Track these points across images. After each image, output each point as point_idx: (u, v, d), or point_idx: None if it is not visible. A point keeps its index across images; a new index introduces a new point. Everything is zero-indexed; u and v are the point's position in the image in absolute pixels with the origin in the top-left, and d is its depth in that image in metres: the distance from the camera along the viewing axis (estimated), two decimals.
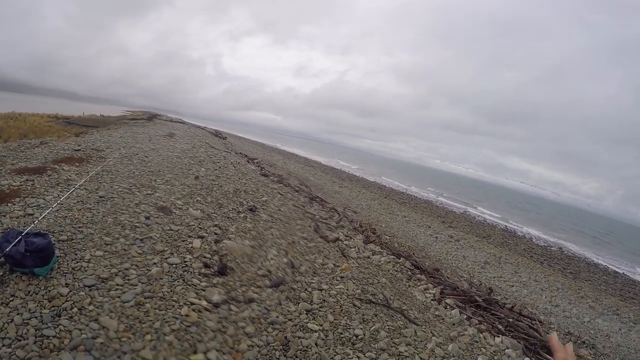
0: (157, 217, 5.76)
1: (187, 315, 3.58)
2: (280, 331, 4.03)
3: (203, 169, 10.58)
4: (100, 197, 5.97)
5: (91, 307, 3.28)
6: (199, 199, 7.34)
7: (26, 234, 3.68)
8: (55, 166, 7.27)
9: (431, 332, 5.03)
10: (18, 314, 2.98)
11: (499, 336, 5.63)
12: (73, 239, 4.37)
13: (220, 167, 11.91)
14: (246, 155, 21.15)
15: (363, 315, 4.88)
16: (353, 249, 7.70)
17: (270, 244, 6.31)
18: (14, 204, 5.00)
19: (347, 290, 5.49)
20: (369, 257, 7.51)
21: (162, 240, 5.02)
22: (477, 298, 7.12)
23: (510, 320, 6.63)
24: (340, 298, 5.17)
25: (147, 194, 6.73)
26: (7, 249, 3.39)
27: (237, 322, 3.88)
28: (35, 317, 3.00)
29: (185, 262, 4.61)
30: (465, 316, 6.01)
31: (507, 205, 58.82)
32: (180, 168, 9.89)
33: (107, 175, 7.38)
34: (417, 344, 4.61)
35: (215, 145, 20.34)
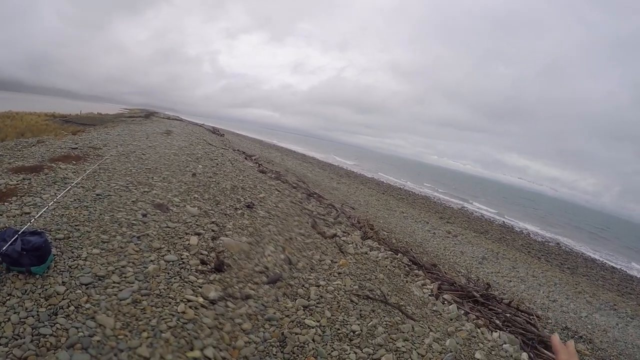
0: (154, 215, 5.76)
1: (183, 312, 3.59)
2: (277, 327, 4.04)
3: (200, 166, 10.59)
4: (97, 195, 5.97)
5: (88, 305, 3.28)
6: (196, 196, 7.35)
7: (22, 232, 3.68)
8: (52, 165, 7.26)
9: (429, 328, 5.04)
10: (15, 312, 2.99)
11: (496, 331, 5.66)
12: (70, 237, 4.37)
13: (217, 164, 11.92)
14: (244, 152, 21.14)
15: (360, 311, 4.90)
16: (351, 245, 7.72)
17: (268, 240, 6.32)
18: (11, 203, 5.00)
19: (345, 286, 5.51)
20: (366, 253, 7.53)
21: (159, 237, 5.02)
22: (475, 293, 7.15)
23: (508, 315, 6.66)
24: (338, 294, 5.19)
25: (144, 192, 6.73)
26: (4, 248, 3.39)
27: (234, 319, 3.89)
28: (32, 316, 3.00)
29: (182, 259, 4.61)
30: (462, 311, 6.03)
31: (504, 201, 58.91)
32: (177, 165, 9.89)
33: (104, 173, 7.37)
34: (414, 339, 4.62)
35: (212, 142, 20.33)
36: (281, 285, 4.94)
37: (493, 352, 4.96)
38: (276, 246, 6.18)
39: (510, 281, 11.01)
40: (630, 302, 12.78)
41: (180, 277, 4.20)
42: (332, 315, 4.59)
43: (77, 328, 2.99)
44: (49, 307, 3.15)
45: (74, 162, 7.87)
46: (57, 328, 2.95)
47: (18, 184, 5.77)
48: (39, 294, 3.27)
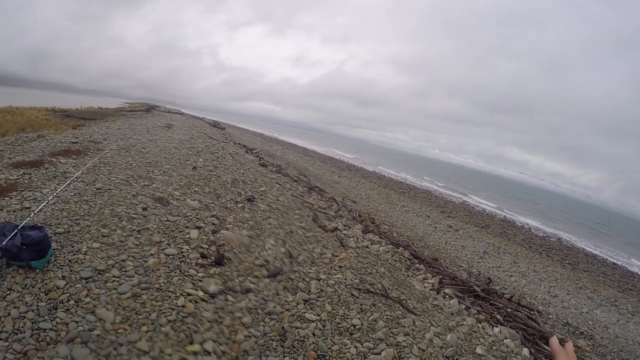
0: (155, 209, 5.75)
1: (183, 306, 3.58)
2: (277, 321, 4.03)
3: (201, 160, 10.56)
4: (98, 189, 5.96)
5: (88, 300, 3.28)
6: (196, 189, 7.33)
7: (22, 227, 3.67)
8: (53, 159, 7.25)
9: (429, 322, 5.04)
10: (15, 307, 2.99)
11: (497, 326, 5.65)
12: (70, 232, 4.37)
13: (218, 158, 11.90)
14: (245, 146, 21.09)
15: (361, 305, 4.89)
16: (352, 239, 7.70)
17: (268, 233, 6.31)
18: (11, 198, 5.00)
19: (346, 280, 5.50)
20: (367, 247, 7.52)
21: (159, 231, 5.02)
22: (476, 288, 7.14)
23: (509, 310, 6.65)
24: (339, 288, 5.18)
25: (145, 185, 6.72)
26: (3, 243, 3.39)
27: (234, 313, 3.89)
28: (32, 310, 3.00)
29: (182, 252, 4.61)
30: (464, 306, 6.02)
31: (505, 195, 58.75)
32: (178, 159, 9.87)
33: (105, 167, 7.36)
34: (415, 333, 4.62)
35: (213, 135, 20.28)
36: (282, 279, 4.93)
37: (494, 347, 4.96)
38: (277, 240, 6.17)
39: (512, 276, 11.00)
40: (631, 298, 12.78)
41: (180, 271, 4.19)
42: (332, 309, 4.59)
43: (77, 322, 2.99)
44: (49, 301, 3.15)
45: (75, 157, 7.85)
46: (57, 322, 2.95)
47: (18, 179, 5.76)
48: (39, 288, 3.27)
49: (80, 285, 3.44)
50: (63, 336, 2.84)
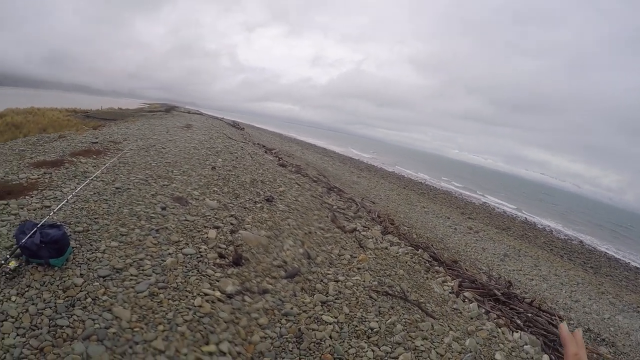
0: (173, 208, 5.77)
1: (200, 306, 3.56)
2: (294, 323, 3.97)
3: (220, 160, 10.60)
4: (117, 188, 6.00)
5: (105, 297, 3.28)
6: (215, 189, 7.34)
7: (41, 225, 3.70)
8: (73, 159, 7.35)
9: (448, 326, 4.91)
10: (33, 304, 3.01)
11: (517, 331, 5.48)
12: (89, 230, 4.39)
13: (237, 158, 11.93)
14: (264, 146, 21.16)
15: (379, 307, 4.80)
16: (370, 240, 7.60)
17: (287, 234, 6.26)
18: (32, 197, 5.06)
19: (364, 281, 5.41)
20: (386, 248, 7.41)
21: (177, 230, 5.02)
22: (496, 292, 6.97)
23: (530, 315, 6.47)
24: (357, 290, 5.09)
25: (164, 185, 6.75)
26: (23, 241, 3.42)
27: (251, 313, 3.84)
28: (50, 307, 3.01)
29: (200, 252, 4.60)
30: (483, 310, 5.87)
31: (525, 196, 57.70)
32: (197, 159, 9.92)
33: (124, 166, 7.43)
34: (433, 338, 4.51)
35: (232, 136, 20.39)
36: (299, 280, 4.87)
37: (514, 353, 4.81)
38: (295, 240, 6.12)
39: (532, 279, 10.75)
40: None
41: (198, 271, 4.18)
42: (350, 312, 4.51)
43: (93, 320, 2.99)
44: (67, 298, 3.16)
45: (94, 156, 7.95)
46: (74, 319, 2.95)
47: (39, 178, 5.84)
48: (57, 285, 3.29)
49: (97, 283, 3.44)
50: (79, 333, 2.84)
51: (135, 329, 3.04)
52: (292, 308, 4.20)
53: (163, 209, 5.60)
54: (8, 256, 3.34)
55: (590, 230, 32.13)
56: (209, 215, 5.87)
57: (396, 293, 5.34)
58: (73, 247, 3.88)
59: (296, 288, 4.67)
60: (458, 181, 48.31)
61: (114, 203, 5.37)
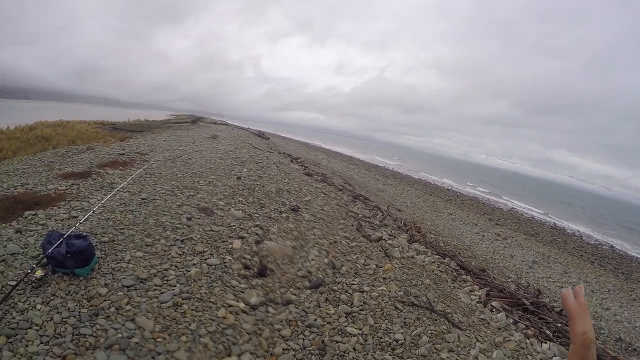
0: (199, 218, 5.79)
1: (224, 317, 3.53)
2: (317, 335, 3.89)
3: (245, 170, 10.66)
4: (143, 199, 6.09)
5: (128, 307, 3.30)
6: (240, 199, 7.36)
7: (68, 236, 3.76)
8: (100, 170, 7.52)
9: (475, 338, 4.73)
10: (57, 312, 3.05)
11: (546, 342, 5.24)
12: (114, 241, 4.45)
13: (262, 167, 11.97)
14: (289, 155, 21.22)
15: (405, 318, 4.66)
16: (397, 249, 7.46)
17: (312, 244, 6.20)
18: (59, 207, 5.18)
19: (389, 292, 5.28)
20: (412, 257, 7.25)
21: (202, 241, 5.03)
22: (525, 301, 6.72)
23: (559, 325, 6.20)
24: (382, 300, 4.97)
25: (190, 196, 6.81)
26: (49, 251, 3.48)
27: (274, 325, 3.79)
28: (74, 316, 3.05)
29: (224, 263, 4.58)
30: (511, 320, 5.65)
31: (554, 200, 56.04)
32: (222, 169, 10.00)
33: (150, 177, 7.54)
34: (460, 350, 4.34)
35: (258, 145, 20.53)
36: (324, 291, 4.79)
37: None
38: (320, 250, 6.04)
39: (562, 287, 10.34)
40: None
41: (222, 282, 4.16)
42: (375, 323, 4.39)
43: (116, 329, 3.00)
44: (91, 308, 3.19)
45: (121, 168, 8.11)
46: (97, 328, 2.97)
47: (67, 189, 5.99)
48: (82, 295, 3.32)
49: (121, 293, 3.46)
50: (102, 342, 2.85)
51: (158, 339, 3.03)
52: (315, 319, 4.13)
53: (189, 219, 5.64)
54: (35, 265, 3.40)
55: (621, 234, 30.86)
56: (234, 226, 5.86)
57: (422, 303, 5.19)
58: (98, 257, 3.93)
59: (320, 299, 4.59)
60: (483, 186, 47.36)
61: (140, 214, 5.43)
